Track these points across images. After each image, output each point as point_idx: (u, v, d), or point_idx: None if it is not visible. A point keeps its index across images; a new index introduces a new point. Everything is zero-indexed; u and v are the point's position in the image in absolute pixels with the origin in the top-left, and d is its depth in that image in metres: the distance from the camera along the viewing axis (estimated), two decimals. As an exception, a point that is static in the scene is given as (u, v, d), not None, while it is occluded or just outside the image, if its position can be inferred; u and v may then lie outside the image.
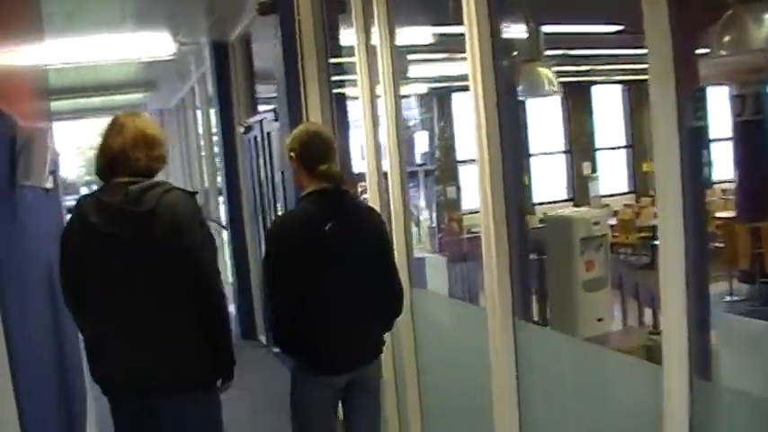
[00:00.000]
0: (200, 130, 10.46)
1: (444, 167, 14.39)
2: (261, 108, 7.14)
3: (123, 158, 2.60)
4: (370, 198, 3.97)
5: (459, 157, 14.41)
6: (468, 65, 2.72)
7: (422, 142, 14.69)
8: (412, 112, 14.88)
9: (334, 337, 2.84)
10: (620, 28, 8.45)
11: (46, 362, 2.45)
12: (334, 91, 4.84)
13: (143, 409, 2.63)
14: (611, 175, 15.14)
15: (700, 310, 1.87)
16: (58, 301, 2.82)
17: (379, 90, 3.71)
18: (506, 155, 2.69)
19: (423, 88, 13.71)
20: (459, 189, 14.19)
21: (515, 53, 5.95)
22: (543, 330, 2.81)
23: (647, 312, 5.51)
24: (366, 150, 3.94)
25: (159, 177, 2.67)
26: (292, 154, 2.95)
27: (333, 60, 4.75)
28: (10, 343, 1.65)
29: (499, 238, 2.70)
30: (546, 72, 5.80)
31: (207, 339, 2.60)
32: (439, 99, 14.57)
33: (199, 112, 10.26)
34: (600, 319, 4.76)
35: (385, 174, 3.86)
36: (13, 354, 1.66)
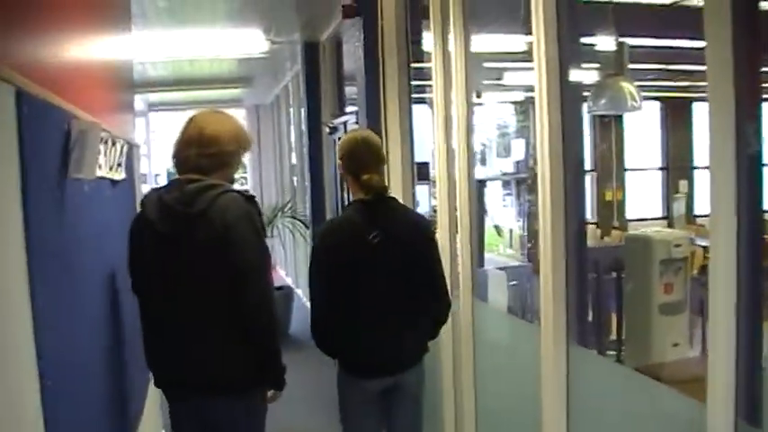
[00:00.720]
0: (292, 129, 10.65)
1: (529, 178, 14.14)
2: (348, 109, 7.20)
3: (179, 155, 2.68)
4: (440, 205, 3.91)
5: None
6: (534, 76, 2.63)
7: (517, 150, 14.50)
8: (508, 119, 14.70)
9: (374, 342, 2.90)
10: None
11: (93, 359, 2.48)
12: (417, 96, 4.83)
13: (189, 408, 2.68)
14: (705, 194, 14.44)
15: (751, 349, 1.73)
16: (119, 294, 2.90)
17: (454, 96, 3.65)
18: (569, 168, 2.58)
19: (519, 96, 13.53)
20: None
21: (599, 65, 5.79)
22: (591, 355, 2.67)
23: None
24: (437, 157, 3.88)
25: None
26: (340, 161, 3.00)
27: (414, 65, 4.72)
28: (41, 340, 1.67)
29: (556, 257, 2.59)
30: (628, 87, 5.58)
31: (250, 346, 2.57)
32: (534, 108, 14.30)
33: (292, 110, 10.44)
34: (676, 344, 4.54)
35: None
36: (43, 352, 1.68)
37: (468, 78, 3.51)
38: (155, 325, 2.67)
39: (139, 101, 11.95)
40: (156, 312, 2.66)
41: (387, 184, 3.04)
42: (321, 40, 7.35)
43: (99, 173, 2.62)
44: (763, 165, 1.73)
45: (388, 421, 3.09)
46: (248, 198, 2.68)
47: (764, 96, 1.72)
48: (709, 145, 1.70)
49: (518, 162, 14.28)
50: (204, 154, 2.65)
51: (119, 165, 3.08)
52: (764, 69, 1.73)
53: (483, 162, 13.98)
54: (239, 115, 13.95)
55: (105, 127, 2.71)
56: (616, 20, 5.58)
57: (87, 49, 2.78)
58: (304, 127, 8.19)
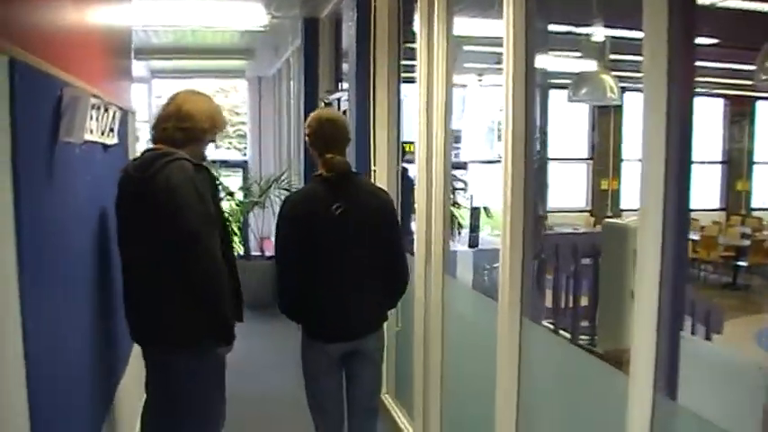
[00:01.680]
0: (292, 102, 10.74)
1: (534, 164, 14.18)
2: (344, 86, 7.31)
3: (157, 127, 3.01)
4: (418, 186, 4.04)
5: (550, 155, 14.14)
6: (504, 60, 2.75)
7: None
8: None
9: (335, 308, 3.12)
10: (715, 41, 8.13)
11: (83, 318, 2.65)
12: (408, 75, 4.92)
13: (147, 359, 3.02)
14: (705, 189, 14.54)
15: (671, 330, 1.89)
16: (109, 252, 3.12)
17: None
18: (529, 156, 2.73)
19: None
20: (546, 186, 13.94)
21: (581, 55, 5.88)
22: (545, 331, 2.83)
23: (701, 330, 5.37)
24: (418, 138, 4.00)
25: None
26: (306, 138, 3.20)
27: (407, 46, 4.82)
28: (27, 298, 1.81)
29: (514, 238, 2.74)
30: (608, 79, 5.68)
31: (196, 302, 2.80)
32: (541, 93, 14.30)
33: (292, 84, 10.54)
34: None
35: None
36: (28, 310, 1.83)
37: (449, 59, 3.62)
38: (125, 284, 2.98)
39: (142, 67, 12.04)
40: (124, 270, 2.97)
41: (348, 161, 3.21)
42: (321, 16, 7.44)
43: (90, 137, 2.78)
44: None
45: (348, 384, 3.30)
46: (198, 166, 2.92)
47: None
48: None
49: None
50: (179, 127, 2.96)
51: (111, 130, 3.23)
52: None
53: (486, 144, 14.00)
54: (241, 86, 14.06)
55: (97, 93, 2.86)
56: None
57: (82, 16, 2.89)
58: (302, 102, 8.30)
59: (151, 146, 3.02)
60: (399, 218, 3.64)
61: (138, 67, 11.91)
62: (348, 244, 3.10)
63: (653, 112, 1.84)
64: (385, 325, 3.35)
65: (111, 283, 3.16)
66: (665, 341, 1.88)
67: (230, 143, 18.51)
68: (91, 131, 2.80)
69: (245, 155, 15.20)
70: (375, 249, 3.15)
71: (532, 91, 2.72)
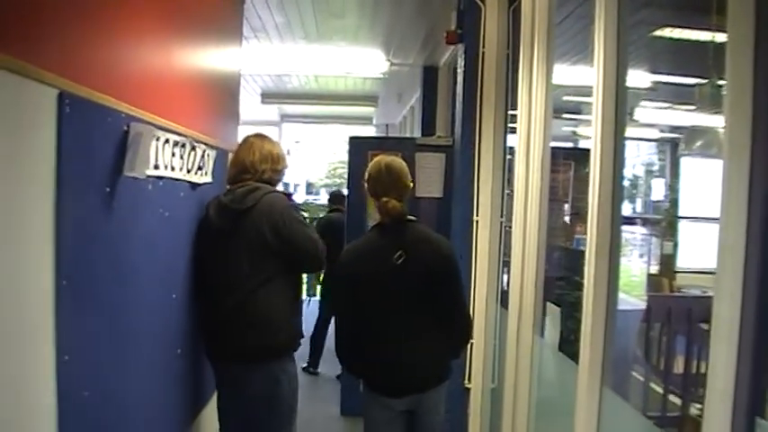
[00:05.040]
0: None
1: (663, 220, 13.56)
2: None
3: (249, 170, 3.29)
4: (514, 243, 3.86)
5: (681, 212, 13.46)
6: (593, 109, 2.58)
7: (647, 190, 13.98)
8: (640, 158, 14.19)
9: (395, 361, 3.06)
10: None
11: (151, 344, 2.65)
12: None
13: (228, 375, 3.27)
14: None
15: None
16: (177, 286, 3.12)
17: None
18: (616, 212, 2.52)
19: (653, 133, 13.04)
20: (676, 244, 13.27)
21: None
22: (622, 403, 2.58)
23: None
24: (516, 190, 3.84)
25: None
26: (365, 184, 3.21)
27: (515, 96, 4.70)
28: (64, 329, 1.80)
29: (597, 301, 2.52)
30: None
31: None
32: (671, 148, 13.76)
33: (417, 131, 10.60)
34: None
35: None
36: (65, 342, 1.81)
37: (548, 112, 3.46)
38: (207, 304, 3.25)
39: (274, 112, 12.48)
40: (210, 294, 3.22)
41: (405, 208, 3.15)
42: (440, 64, 7.42)
43: (170, 174, 2.81)
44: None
45: None
46: (287, 195, 3.33)
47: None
48: None
49: (655, 202, 13.75)
50: (275, 169, 3.36)
51: (200, 168, 3.27)
52: None
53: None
54: (369, 132, 14.27)
55: (182, 131, 2.90)
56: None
57: (165, 56, 2.96)
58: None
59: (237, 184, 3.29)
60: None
61: (271, 112, 12.37)
62: (409, 295, 3.04)
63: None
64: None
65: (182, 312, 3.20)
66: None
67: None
68: (173, 168, 2.85)
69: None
70: (435, 300, 3.06)
71: (621, 142, 2.51)
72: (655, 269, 10.85)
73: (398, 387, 3.09)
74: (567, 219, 5.50)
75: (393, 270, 3.01)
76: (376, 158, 3.26)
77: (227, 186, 3.35)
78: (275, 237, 3.11)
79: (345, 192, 6.65)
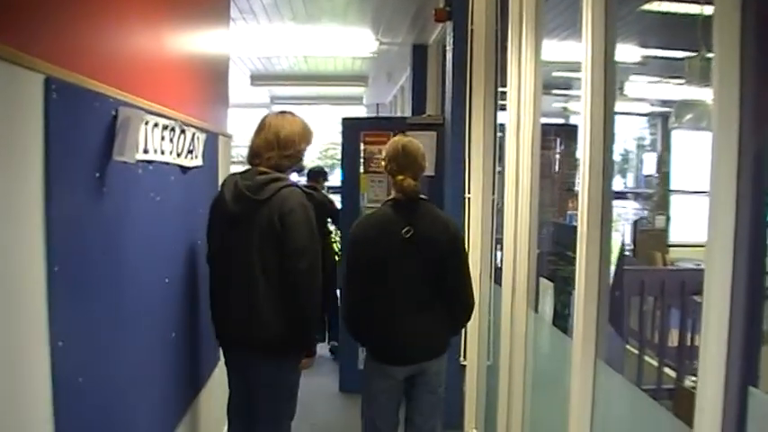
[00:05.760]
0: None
1: (655, 194, 13.58)
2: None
3: (259, 155, 3.22)
4: (506, 219, 3.87)
5: (673, 186, 13.48)
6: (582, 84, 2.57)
7: (637, 164, 14.01)
8: (634, 132, 14.19)
9: (399, 331, 3.21)
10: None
11: (144, 328, 2.65)
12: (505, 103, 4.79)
13: (241, 362, 3.25)
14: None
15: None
16: (176, 266, 3.16)
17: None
18: (607, 188, 2.52)
19: (644, 107, 13.03)
20: (668, 218, 13.31)
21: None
22: (616, 376, 2.60)
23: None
24: (507, 168, 3.84)
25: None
26: (383, 163, 3.34)
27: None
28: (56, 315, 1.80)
29: (590, 275, 2.53)
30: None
31: (288, 314, 3.06)
32: (661, 121, 13.77)
33: (407, 110, 10.58)
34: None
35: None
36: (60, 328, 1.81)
37: (537, 88, 3.45)
38: (217, 285, 3.27)
39: (264, 94, 12.41)
40: (219, 276, 3.25)
41: (419, 186, 3.31)
42: (429, 42, 7.39)
43: (161, 158, 2.80)
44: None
45: (407, 408, 3.40)
46: (306, 193, 3.22)
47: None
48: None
49: (647, 176, 13.77)
50: (284, 155, 3.21)
51: (189, 152, 3.26)
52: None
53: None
54: (359, 112, 14.21)
55: (171, 115, 2.89)
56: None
57: (157, 41, 2.94)
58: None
59: (258, 168, 3.21)
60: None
61: (261, 94, 12.30)
62: (415, 268, 3.19)
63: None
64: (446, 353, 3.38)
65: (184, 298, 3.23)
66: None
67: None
68: (162, 152, 2.84)
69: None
70: (441, 274, 3.21)
71: (611, 117, 2.51)
72: (648, 243, 10.92)
73: (401, 356, 3.24)
74: (559, 194, 5.50)
75: (401, 243, 3.17)
76: (393, 139, 3.40)
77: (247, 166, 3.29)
78: (279, 229, 3.06)
79: (337, 172, 6.68)
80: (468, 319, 3.42)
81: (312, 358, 3.27)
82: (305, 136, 3.30)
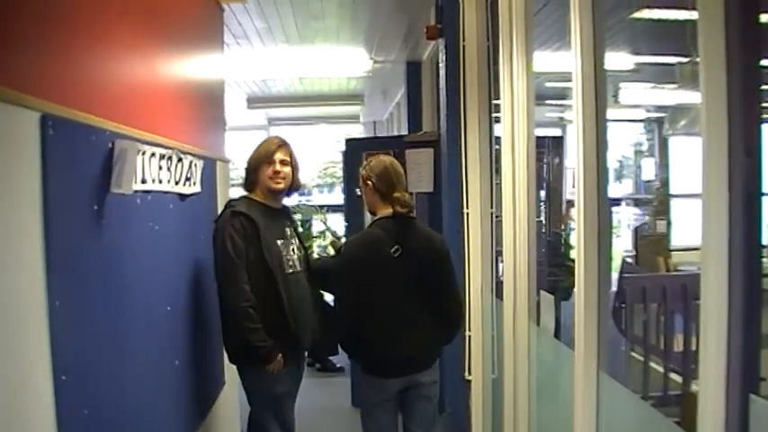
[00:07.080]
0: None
1: (655, 199, 13.57)
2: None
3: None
4: (505, 232, 3.86)
5: (672, 191, 13.46)
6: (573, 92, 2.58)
7: (636, 170, 14.02)
8: (631, 138, 14.20)
9: (390, 344, 3.35)
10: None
11: (147, 358, 2.66)
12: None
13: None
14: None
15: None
16: (181, 291, 3.22)
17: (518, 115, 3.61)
18: (602, 193, 2.53)
19: (640, 114, 13.04)
20: (669, 223, 13.29)
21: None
22: (620, 388, 2.59)
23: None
24: (504, 180, 3.84)
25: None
26: (369, 182, 3.44)
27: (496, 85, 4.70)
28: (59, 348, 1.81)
29: (589, 286, 2.53)
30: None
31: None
32: (657, 127, 13.78)
33: (404, 127, 10.60)
34: (763, 379, 4.26)
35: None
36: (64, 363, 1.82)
37: (530, 100, 3.47)
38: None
39: (261, 116, 12.46)
40: None
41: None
42: (423, 59, 7.43)
43: (159, 187, 2.82)
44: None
45: (404, 419, 3.54)
46: (233, 212, 3.44)
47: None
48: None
49: (647, 182, 13.76)
50: (245, 177, 3.69)
51: (187, 179, 3.28)
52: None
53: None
54: (356, 131, 14.27)
55: (167, 144, 2.91)
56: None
57: (151, 72, 2.96)
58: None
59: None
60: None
61: (259, 116, 12.35)
62: (405, 284, 3.35)
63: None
64: (438, 361, 3.56)
65: (191, 316, 3.30)
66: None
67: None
68: (160, 181, 2.85)
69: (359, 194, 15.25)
70: (430, 289, 3.38)
71: (603, 124, 2.52)
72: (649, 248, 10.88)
73: (392, 369, 3.37)
74: (558, 206, 5.52)
75: (390, 261, 3.32)
76: (375, 159, 3.53)
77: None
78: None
79: (337, 190, 7.03)
80: (458, 325, 3.64)
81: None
82: (256, 156, 3.64)
